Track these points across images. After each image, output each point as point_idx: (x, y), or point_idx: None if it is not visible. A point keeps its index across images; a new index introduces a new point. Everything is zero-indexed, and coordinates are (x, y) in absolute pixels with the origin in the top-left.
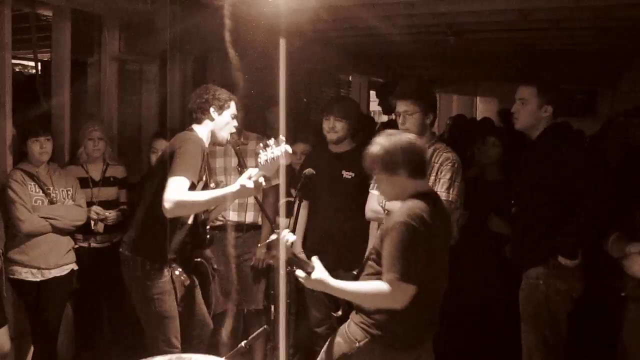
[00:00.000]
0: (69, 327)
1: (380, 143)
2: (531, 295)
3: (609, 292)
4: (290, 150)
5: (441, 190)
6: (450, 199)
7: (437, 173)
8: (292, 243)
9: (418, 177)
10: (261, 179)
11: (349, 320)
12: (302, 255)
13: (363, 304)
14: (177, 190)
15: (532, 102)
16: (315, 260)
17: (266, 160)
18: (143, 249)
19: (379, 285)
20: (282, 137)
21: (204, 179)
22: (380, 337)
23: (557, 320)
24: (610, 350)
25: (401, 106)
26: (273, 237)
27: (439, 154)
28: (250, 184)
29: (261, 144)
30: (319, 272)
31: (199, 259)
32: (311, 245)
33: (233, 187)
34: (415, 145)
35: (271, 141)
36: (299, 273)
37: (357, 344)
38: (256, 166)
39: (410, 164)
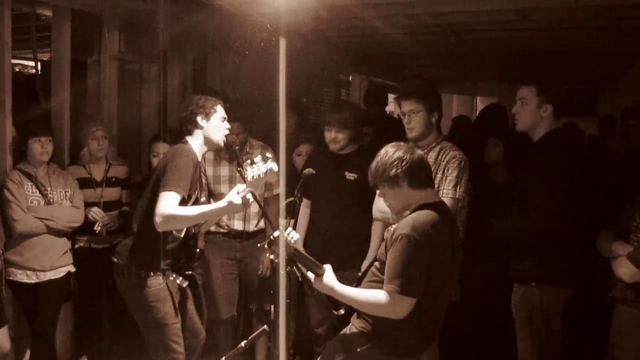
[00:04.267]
0: (69, 328)
1: (380, 157)
2: (525, 299)
3: (599, 292)
4: (275, 168)
5: (448, 188)
6: (457, 196)
7: (443, 171)
8: (295, 241)
9: (422, 187)
10: (249, 195)
11: (350, 325)
12: None
13: (363, 311)
14: (168, 205)
15: (532, 102)
16: (326, 266)
17: (252, 177)
18: (138, 257)
19: (379, 295)
20: (268, 155)
21: (196, 193)
22: (381, 344)
23: (551, 322)
24: (600, 350)
25: (405, 106)
26: (276, 234)
27: (445, 152)
28: (237, 200)
29: (248, 161)
30: (329, 275)
31: (189, 272)
32: (312, 244)
33: (220, 203)
34: (415, 156)
35: (258, 158)
36: (309, 275)
37: (358, 349)
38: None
39: (412, 174)
